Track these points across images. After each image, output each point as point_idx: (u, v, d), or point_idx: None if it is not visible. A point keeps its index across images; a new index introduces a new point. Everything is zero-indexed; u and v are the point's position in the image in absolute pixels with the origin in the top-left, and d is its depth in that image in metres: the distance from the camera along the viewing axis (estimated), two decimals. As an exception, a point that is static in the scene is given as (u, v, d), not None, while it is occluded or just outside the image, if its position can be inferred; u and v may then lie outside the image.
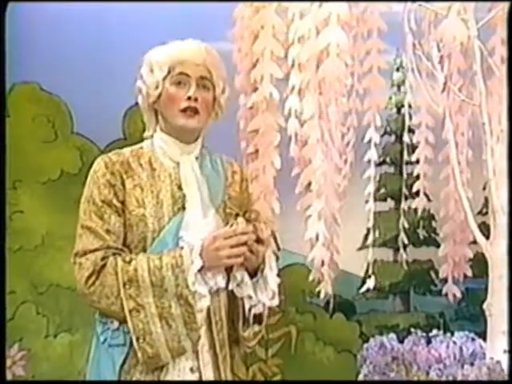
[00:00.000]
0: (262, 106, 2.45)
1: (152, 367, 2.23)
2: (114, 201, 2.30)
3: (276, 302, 2.32)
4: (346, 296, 3.77)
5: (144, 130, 2.49)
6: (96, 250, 2.26)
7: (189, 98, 2.31)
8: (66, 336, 3.79)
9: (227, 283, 2.29)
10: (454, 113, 2.50)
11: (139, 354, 2.21)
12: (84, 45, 3.77)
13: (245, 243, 2.23)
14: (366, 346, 2.49)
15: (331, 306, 2.52)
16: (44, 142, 3.87)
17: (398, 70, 3.35)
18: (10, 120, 3.73)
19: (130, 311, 2.21)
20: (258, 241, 2.27)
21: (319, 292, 2.71)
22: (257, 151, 2.65)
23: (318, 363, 3.86)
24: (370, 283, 2.50)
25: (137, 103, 2.47)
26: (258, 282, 2.30)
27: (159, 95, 2.35)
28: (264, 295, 2.29)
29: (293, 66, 2.42)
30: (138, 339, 2.21)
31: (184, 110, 2.32)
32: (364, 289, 2.48)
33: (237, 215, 2.28)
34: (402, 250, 2.74)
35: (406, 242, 2.74)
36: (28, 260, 3.78)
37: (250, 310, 2.30)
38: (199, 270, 2.22)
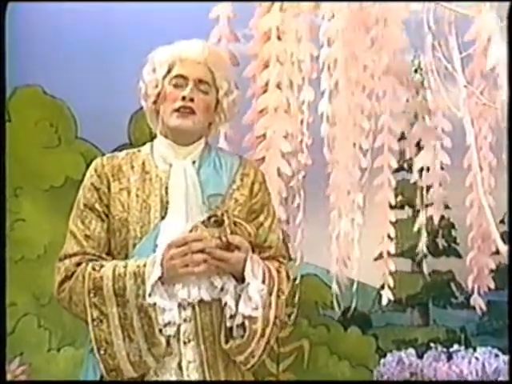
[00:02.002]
0: (272, 110, 2.45)
1: (117, 380, 2.21)
2: (97, 205, 2.30)
3: (258, 313, 2.23)
4: (362, 309, 3.74)
5: (150, 134, 2.48)
6: (74, 254, 2.27)
7: (183, 98, 2.30)
8: (69, 350, 3.77)
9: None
10: (475, 117, 2.48)
11: (101, 366, 2.20)
12: (88, 47, 3.76)
13: (202, 250, 2.17)
14: (382, 361, 2.47)
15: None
16: (47, 148, 3.86)
17: (416, 71, 3.32)
18: (11, 124, 3.72)
19: (93, 320, 2.20)
20: (231, 247, 2.21)
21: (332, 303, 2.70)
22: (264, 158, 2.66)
23: (332, 378, 3.83)
24: (389, 294, 2.48)
25: (142, 107, 2.47)
26: (243, 290, 2.24)
27: (158, 94, 2.35)
28: (248, 305, 2.22)
29: (322, 68, 2.42)
30: (99, 350, 2.19)
31: (178, 110, 2.30)
32: (385, 301, 2.45)
33: (209, 218, 2.22)
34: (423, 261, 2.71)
35: (426, 251, 2.71)
36: (30, 271, 3.76)
37: (231, 320, 2.24)
38: (162, 282, 2.18)
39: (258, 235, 2.35)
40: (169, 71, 2.33)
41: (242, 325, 2.24)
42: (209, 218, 2.21)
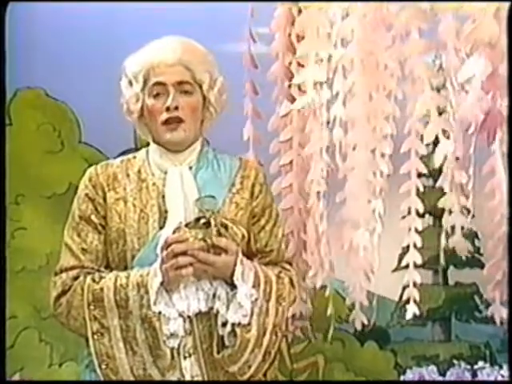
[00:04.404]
0: (307, 112, 2.44)
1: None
2: (93, 217, 2.31)
3: (247, 320, 2.22)
4: (380, 322, 3.71)
5: (156, 140, 2.47)
6: (71, 268, 2.27)
7: (168, 109, 2.28)
8: (71, 365, 3.75)
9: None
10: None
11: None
12: (93, 47, 3.76)
13: (186, 253, 2.16)
14: (402, 378, 2.44)
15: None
16: (49, 153, 3.85)
17: (437, 72, 3.30)
18: (12, 128, 3.73)
19: (94, 334, 2.21)
20: (219, 250, 2.20)
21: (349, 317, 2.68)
22: (291, 162, 2.63)
23: (348, 396, 3.81)
24: (414, 308, 2.45)
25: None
26: (233, 296, 2.23)
27: (141, 108, 2.33)
28: (237, 312, 2.21)
29: (336, 70, 2.40)
30: (100, 365, 2.20)
31: (165, 122, 2.29)
32: (410, 315, 2.43)
33: (198, 220, 2.21)
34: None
35: (444, 263, 2.69)
36: (31, 282, 3.75)
37: (223, 328, 2.24)
38: (166, 290, 2.19)
39: (259, 239, 2.35)
40: (145, 82, 2.31)
41: (234, 333, 2.22)
42: (197, 219, 2.21)
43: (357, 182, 2.45)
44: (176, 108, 2.28)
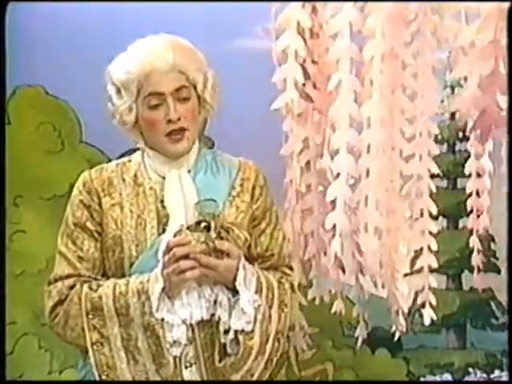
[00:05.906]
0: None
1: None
2: (88, 224, 2.29)
3: (250, 327, 2.21)
4: (391, 329, 3.69)
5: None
6: (67, 277, 2.27)
7: (169, 121, 2.25)
8: (72, 372, 3.73)
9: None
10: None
11: None
12: (94, 45, 3.76)
13: (188, 256, 2.15)
14: (415, 387, 2.42)
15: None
16: (49, 153, 3.85)
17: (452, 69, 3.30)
18: (11, 128, 3.72)
19: (93, 344, 2.21)
20: (221, 254, 2.20)
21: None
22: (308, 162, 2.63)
23: (359, 405, 3.81)
24: (431, 313, 2.45)
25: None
26: (236, 302, 2.23)
27: (136, 118, 2.30)
28: (240, 318, 2.21)
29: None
30: (100, 376, 2.20)
31: (169, 134, 2.26)
32: (428, 321, 2.43)
33: (199, 223, 2.21)
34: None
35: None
36: (30, 286, 3.74)
37: (225, 335, 2.23)
38: (168, 296, 2.18)
39: (260, 243, 2.35)
40: (139, 92, 2.27)
41: (236, 340, 2.21)
42: (198, 223, 2.20)
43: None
44: (179, 119, 2.26)
